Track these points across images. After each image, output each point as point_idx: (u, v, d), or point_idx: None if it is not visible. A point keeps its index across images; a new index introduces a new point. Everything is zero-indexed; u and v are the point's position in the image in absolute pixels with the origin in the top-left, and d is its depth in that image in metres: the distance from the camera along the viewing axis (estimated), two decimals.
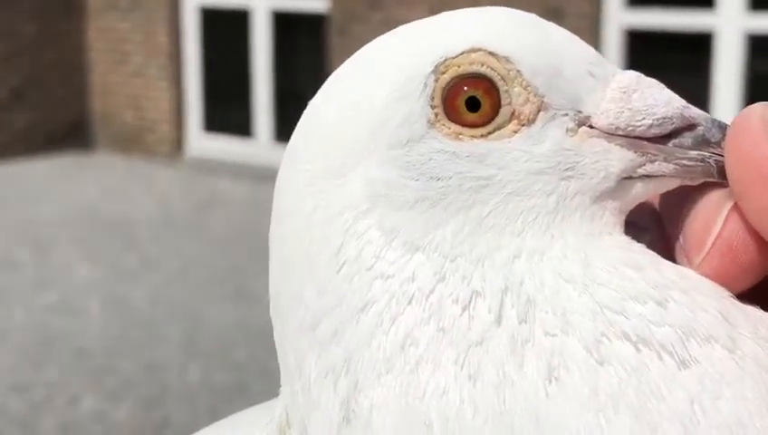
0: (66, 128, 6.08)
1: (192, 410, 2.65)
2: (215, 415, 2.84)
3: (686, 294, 0.22)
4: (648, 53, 4.67)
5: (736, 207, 0.22)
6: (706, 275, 0.23)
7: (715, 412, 0.20)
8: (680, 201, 0.24)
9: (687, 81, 4.69)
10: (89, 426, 2.86)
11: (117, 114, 6.13)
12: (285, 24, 5.56)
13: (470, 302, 0.22)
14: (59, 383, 3.01)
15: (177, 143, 6.00)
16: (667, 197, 0.25)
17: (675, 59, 4.69)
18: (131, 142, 6.07)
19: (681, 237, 0.23)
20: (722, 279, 0.23)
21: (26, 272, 3.94)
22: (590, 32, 4.55)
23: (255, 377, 2.67)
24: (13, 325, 3.49)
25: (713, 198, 0.23)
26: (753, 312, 0.22)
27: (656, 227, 0.25)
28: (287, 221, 0.24)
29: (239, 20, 5.68)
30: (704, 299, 0.22)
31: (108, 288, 3.77)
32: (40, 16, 5.81)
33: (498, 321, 0.21)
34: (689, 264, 0.23)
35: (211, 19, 5.80)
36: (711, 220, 0.23)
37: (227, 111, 5.91)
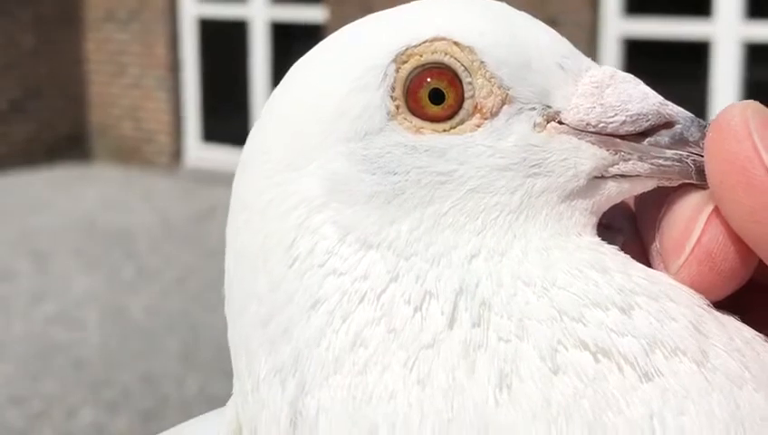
0: (64, 139, 6.10)
1: None
2: None
3: (656, 301, 0.21)
4: (645, 61, 4.65)
5: (716, 211, 0.21)
6: (684, 283, 0.21)
7: (677, 430, 0.19)
8: (656, 203, 0.23)
9: (685, 89, 4.59)
10: None
11: (115, 125, 6.16)
12: (283, 34, 5.58)
13: (422, 302, 0.21)
14: (57, 395, 3.00)
15: (176, 154, 6.02)
16: (642, 198, 0.24)
17: (672, 67, 4.63)
18: (130, 153, 6.07)
19: (657, 242, 0.22)
20: (700, 287, 0.21)
21: (25, 283, 3.93)
22: (588, 40, 4.54)
23: None
24: (11, 337, 3.46)
25: (691, 202, 0.22)
26: (730, 321, 0.21)
27: (630, 228, 0.24)
28: (243, 213, 0.23)
29: (237, 30, 5.70)
30: (674, 307, 0.21)
31: (106, 299, 3.75)
32: (38, 27, 5.85)
33: (451, 324, 0.21)
34: (666, 270, 0.22)
35: (209, 30, 5.82)
36: (689, 225, 0.21)
37: (226, 121, 5.91)
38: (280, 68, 5.68)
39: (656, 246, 0.22)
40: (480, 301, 0.21)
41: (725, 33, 4.24)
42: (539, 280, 0.21)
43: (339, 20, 4.89)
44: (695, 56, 4.41)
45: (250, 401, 0.22)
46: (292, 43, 5.58)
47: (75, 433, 2.81)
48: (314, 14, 5.31)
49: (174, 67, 5.85)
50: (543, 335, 0.20)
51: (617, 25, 4.50)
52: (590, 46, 4.46)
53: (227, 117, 5.86)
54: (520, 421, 0.19)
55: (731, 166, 0.21)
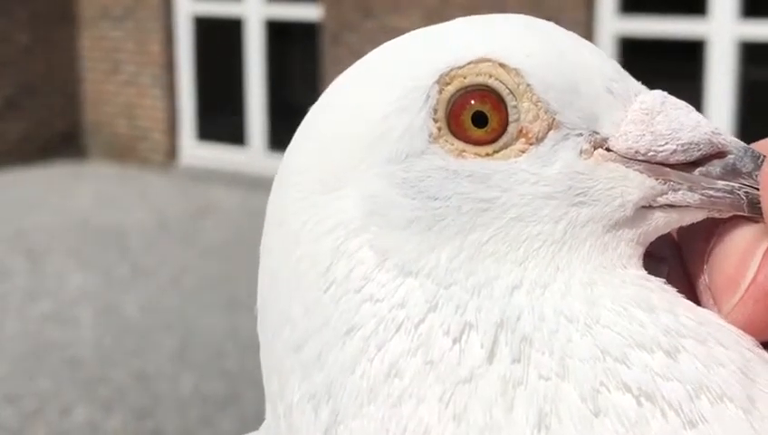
0: (59, 137, 6.11)
1: (184, 420, 2.66)
2: (207, 425, 2.81)
3: (703, 344, 0.20)
4: (640, 60, 4.61)
5: None
6: (737, 323, 0.21)
7: None
8: (704, 233, 0.22)
9: (680, 88, 5.02)
10: None
11: (110, 123, 6.15)
12: (279, 32, 5.59)
13: (462, 334, 0.20)
14: (51, 393, 3.01)
15: (171, 152, 6.00)
16: (689, 227, 0.23)
17: (667, 66, 4.64)
18: (124, 151, 6.07)
19: (707, 277, 0.21)
20: (754, 327, 0.21)
21: (19, 281, 3.93)
22: (584, 38, 4.95)
23: (247, 387, 2.69)
24: (5, 335, 3.47)
25: (745, 236, 0.21)
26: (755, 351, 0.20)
27: (674, 258, 0.23)
28: (277, 233, 0.23)
29: (232, 28, 5.70)
30: (722, 351, 0.20)
31: (101, 298, 3.76)
32: (33, 25, 5.86)
33: (490, 358, 0.20)
34: (718, 310, 0.21)
35: (204, 28, 5.82)
36: (744, 262, 0.20)
37: (221, 119, 5.92)
38: (275, 66, 5.63)
39: (704, 281, 0.21)
40: (521, 336, 0.20)
41: (721, 31, 4.25)
42: (582, 316, 0.20)
43: (334, 18, 5.02)
44: (690, 55, 4.43)
45: (282, 426, 0.22)
46: (287, 41, 5.67)
47: (69, 431, 2.80)
48: (309, 13, 5.32)
49: (169, 65, 5.84)
50: (585, 375, 0.20)
51: (612, 24, 4.52)
52: None
53: (222, 115, 5.87)
54: None
55: None
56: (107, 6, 5.95)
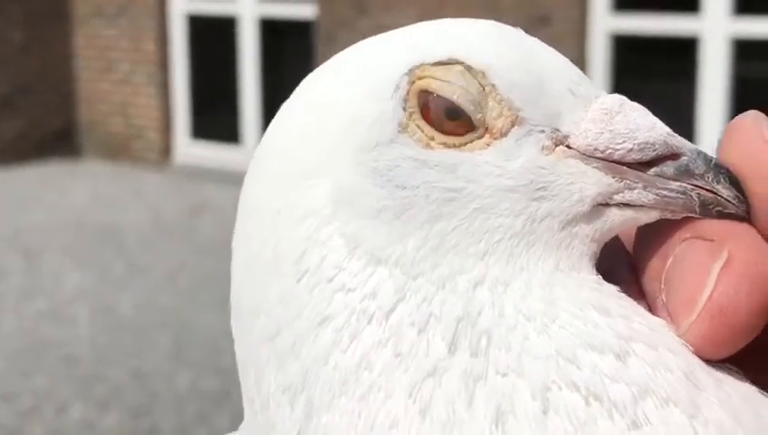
0: (54, 135, 6.06)
1: (180, 418, 2.64)
2: (203, 422, 2.78)
3: (653, 349, 0.21)
4: (633, 57, 4.71)
5: (727, 265, 0.21)
6: (694, 341, 0.21)
7: None
8: (660, 254, 0.22)
9: (674, 86, 4.64)
10: (77, 434, 2.80)
11: (104, 122, 6.11)
12: (272, 30, 5.56)
13: (427, 325, 0.21)
14: (47, 391, 3.00)
15: (165, 150, 5.96)
16: (644, 246, 0.23)
17: (661, 64, 4.74)
18: (119, 149, 6.04)
19: (664, 297, 0.22)
20: (711, 344, 0.21)
21: (15, 279, 3.91)
22: (577, 36, 4.56)
23: None
24: (1, 333, 3.44)
25: (701, 256, 0.21)
26: (727, 377, 0.21)
27: (628, 273, 0.23)
28: (251, 223, 0.23)
29: (226, 27, 5.67)
30: (671, 357, 0.20)
31: (96, 296, 3.76)
32: (28, 23, 5.82)
33: (452, 352, 0.20)
34: (675, 329, 0.21)
35: (198, 26, 5.79)
36: (701, 282, 0.21)
37: (215, 117, 5.88)
38: (269, 65, 5.56)
39: (662, 300, 0.22)
40: (481, 330, 0.20)
41: (714, 29, 4.26)
42: (540, 316, 0.21)
43: (329, 16, 4.98)
44: (683, 52, 4.42)
45: (260, 421, 0.22)
46: (281, 39, 5.62)
47: (65, 429, 2.79)
48: (303, 11, 5.29)
49: (163, 63, 5.81)
50: (539, 373, 0.20)
51: (605, 22, 4.50)
52: (579, 42, 4.53)
53: (217, 113, 5.84)
54: None
55: (751, 158, 0.21)
56: (101, 5, 5.92)
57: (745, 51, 4.26)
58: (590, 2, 4.43)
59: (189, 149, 5.89)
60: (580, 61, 4.87)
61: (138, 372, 3.11)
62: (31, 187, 5.43)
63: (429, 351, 0.20)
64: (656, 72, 4.84)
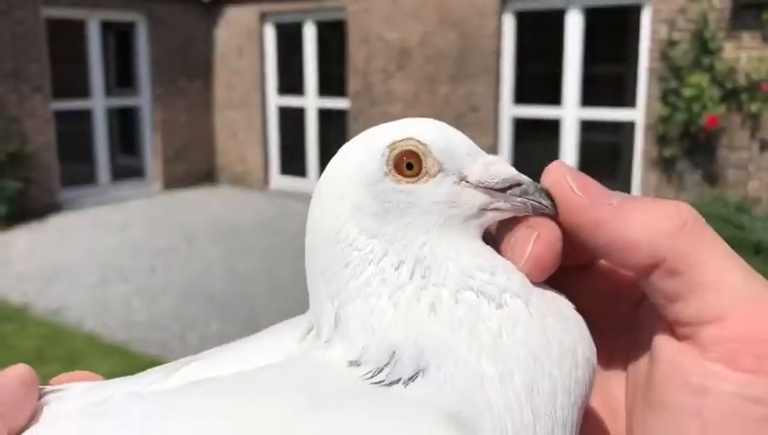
0: (203, 173, 8.02)
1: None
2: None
3: (509, 271, 0.29)
4: (525, 130, 6.16)
5: (538, 238, 0.29)
6: (526, 271, 0.30)
7: (513, 334, 0.28)
8: (507, 232, 0.31)
9: (544, 144, 6.00)
10: (216, 344, 3.69)
11: (231, 165, 8.05)
12: (325, 114, 7.19)
13: (399, 266, 0.29)
14: (195, 317, 3.70)
15: (265, 181, 7.69)
16: (500, 227, 0.32)
17: (540, 133, 6.00)
18: (239, 181, 7.93)
19: (510, 251, 0.30)
20: (533, 273, 0.30)
21: (181, 253, 5.06)
22: (494, 118, 5.99)
23: None
24: (173, 282, 4.32)
25: (527, 230, 0.30)
26: (545, 290, 0.30)
27: (492, 240, 0.32)
28: (316, 217, 0.31)
29: (298, 114, 7.29)
30: (515, 274, 0.30)
31: (226, 262, 4.74)
32: (188, 110, 7.83)
33: (412, 277, 0.29)
34: (517, 265, 0.30)
35: (284, 113, 7.54)
36: (526, 243, 0.30)
37: (293, 162, 7.41)
38: (323, 133, 6.97)
39: (508, 253, 0.30)
40: (425, 266, 0.29)
41: (569, 114, 5.77)
42: (454, 257, 0.29)
43: (355, 106, 6.59)
44: (553, 127, 5.85)
45: (317, 309, 0.30)
46: (329, 120, 7.08)
47: (208, 342, 3.18)
48: (342, 104, 6.89)
49: (264, 133, 7.67)
50: (453, 283, 0.29)
51: (510, 110, 6.07)
52: (495, 122, 5.96)
53: (294, 160, 7.32)
54: (438, 327, 0.28)
55: (562, 198, 0.29)
56: (230, 100, 7.85)
57: (589, 127, 5.73)
58: (501, 99, 6.02)
59: (279, 180, 7.63)
60: (495, 131, 5.99)
61: (248, 301, 3.93)
62: (190, 202, 7.02)
63: (399, 278, 0.29)
64: (537, 138, 6.12)
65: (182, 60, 7.63)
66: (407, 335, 0.28)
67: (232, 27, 7.64)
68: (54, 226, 6.13)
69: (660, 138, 5.33)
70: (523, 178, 0.31)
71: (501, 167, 0.31)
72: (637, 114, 5.58)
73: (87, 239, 5.54)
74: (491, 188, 0.31)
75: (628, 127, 5.93)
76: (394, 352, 0.28)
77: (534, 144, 6.42)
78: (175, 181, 7.81)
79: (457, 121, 6.44)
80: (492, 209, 0.31)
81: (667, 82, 5.23)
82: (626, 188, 5.99)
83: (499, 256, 0.31)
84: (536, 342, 0.28)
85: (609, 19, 5.90)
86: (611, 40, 6.20)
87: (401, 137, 0.31)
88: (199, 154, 8.02)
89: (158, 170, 7.71)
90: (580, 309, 0.31)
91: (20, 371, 0.27)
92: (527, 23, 6.05)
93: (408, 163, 0.31)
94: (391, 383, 0.27)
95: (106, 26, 7.33)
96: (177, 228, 5.72)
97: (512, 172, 0.31)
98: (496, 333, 0.28)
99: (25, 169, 6.44)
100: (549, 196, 0.31)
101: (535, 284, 0.30)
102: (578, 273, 0.33)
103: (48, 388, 0.28)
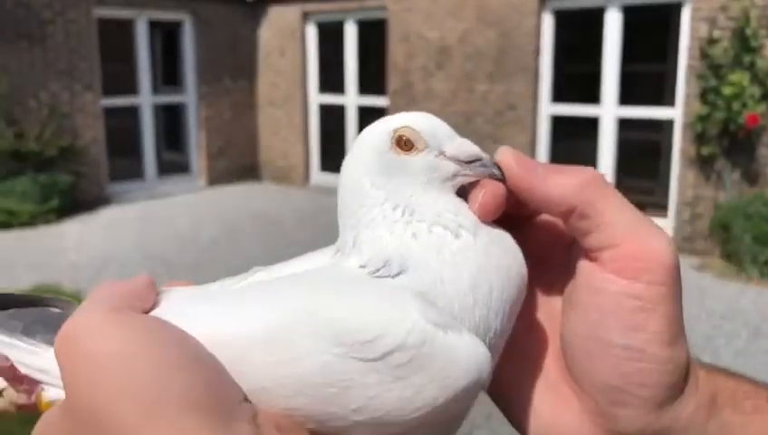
0: (246, 169, 8.22)
1: None
2: None
3: (465, 214, 0.38)
4: (563, 129, 6.24)
5: (486, 191, 0.38)
6: (478, 214, 0.38)
7: (465, 254, 0.36)
8: (471, 189, 0.39)
9: (583, 144, 6.01)
10: None
11: (273, 161, 8.29)
12: (366, 112, 7.39)
13: (394, 207, 0.38)
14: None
15: (306, 177, 7.90)
16: (467, 187, 0.39)
17: (576, 133, 6.23)
18: (281, 177, 8.17)
19: (469, 201, 0.38)
20: (482, 216, 0.38)
21: (222, 244, 5.33)
22: (532, 116, 6.09)
23: None
24: (217, 275, 2.55)
25: (479, 189, 0.38)
26: (492, 228, 0.38)
27: (464, 198, 0.39)
28: (346, 177, 0.40)
29: (338, 112, 7.51)
30: (470, 216, 0.38)
31: (269, 252, 5.05)
32: (232, 108, 8.03)
33: (404, 215, 0.37)
34: (472, 209, 0.38)
35: (324, 111, 7.77)
36: (477, 194, 0.38)
37: (332, 160, 7.59)
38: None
39: (470, 205, 0.39)
40: (411, 209, 0.38)
41: (607, 113, 5.87)
42: (432, 203, 0.38)
43: (394, 104, 6.81)
44: (590, 126, 5.94)
45: (342, 236, 0.39)
46: (369, 118, 5.65)
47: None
48: (382, 102, 7.16)
49: (305, 131, 7.90)
50: (429, 220, 0.37)
51: (548, 108, 6.22)
52: (533, 120, 6.09)
53: (334, 158, 7.49)
54: (418, 250, 0.36)
55: (509, 171, 0.37)
56: (272, 98, 8.13)
57: (626, 125, 5.82)
58: (539, 97, 6.13)
59: (319, 176, 7.88)
60: (533, 129, 6.13)
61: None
62: (233, 197, 7.30)
63: (394, 216, 0.38)
64: (574, 136, 6.20)
65: (227, 59, 7.78)
66: (396, 251, 0.37)
67: (275, 27, 7.84)
68: (103, 218, 6.38)
69: (699, 136, 5.35)
70: (484, 154, 0.39)
71: (469, 147, 0.40)
72: (675, 112, 5.62)
73: (134, 232, 5.72)
74: (461, 161, 0.39)
75: (666, 125, 5.97)
76: (387, 260, 0.37)
77: (572, 142, 6.43)
78: (219, 177, 7.94)
79: (495, 120, 6.50)
80: (462, 175, 0.40)
81: (707, 81, 5.25)
82: (664, 186, 6.01)
83: (463, 205, 0.39)
84: (481, 259, 0.37)
85: (648, 17, 6.01)
86: (650, 38, 6.33)
87: (401, 124, 0.40)
88: (242, 151, 8.14)
89: (203, 166, 7.85)
90: (531, 249, 0.40)
91: (144, 276, 0.37)
92: (566, 21, 6.13)
93: (405, 141, 0.39)
94: (383, 277, 0.36)
95: (153, 26, 7.53)
96: (221, 223, 5.89)
97: (476, 150, 0.39)
98: (454, 252, 0.37)
99: (76, 163, 6.72)
100: (499, 167, 0.39)
101: (487, 223, 0.39)
102: (527, 223, 0.42)
103: (162, 288, 0.39)
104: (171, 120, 8.31)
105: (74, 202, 6.54)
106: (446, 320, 0.34)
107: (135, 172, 7.49)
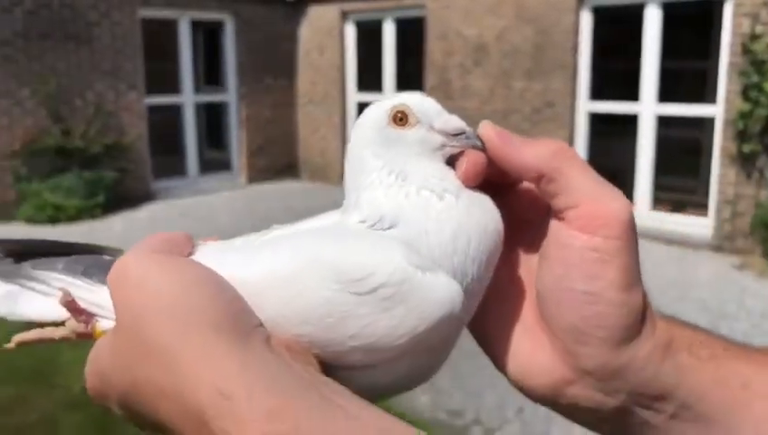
0: (285, 166, 8.45)
1: None
2: None
3: (450, 179, 0.42)
4: (601, 127, 6.30)
5: (467, 159, 0.42)
6: (461, 179, 0.42)
7: (448, 213, 0.41)
8: (457, 157, 0.43)
9: (621, 142, 6.05)
10: None
11: (312, 159, 8.50)
12: None
13: (391, 173, 0.42)
14: None
15: (343, 174, 5.95)
16: (455, 157, 0.43)
17: (615, 130, 6.28)
18: (319, 174, 8.41)
19: (455, 168, 0.42)
20: (465, 181, 0.42)
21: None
22: (570, 113, 6.15)
23: None
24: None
25: (463, 157, 0.42)
26: (474, 192, 0.42)
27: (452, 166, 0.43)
28: (352, 147, 0.44)
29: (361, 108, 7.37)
30: (455, 180, 0.42)
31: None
32: (272, 107, 8.27)
33: (398, 180, 0.42)
34: (459, 178, 0.42)
35: (362, 108, 6.24)
36: (462, 162, 0.42)
37: None
38: None
39: (455, 171, 0.43)
40: (404, 175, 0.42)
41: (646, 109, 5.87)
42: (422, 170, 0.42)
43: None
44: (629, 123, 5.95)
45: (347, 198, 0.43)
46: None
47: None
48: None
49: (343, 129, 8.15)
50: (418, 183, 0.42)
51: (586, 105, 6.26)
52: (571, 116, 6.15)
53: None
54: (410, 210, 0.41)
55: (489, 143, 0.41)
56: (311, 96, 8.35)
57: (665, 122, 5.84)
58: (577, 94, 6.20)
59: None
60: (571, 126, 6.18)
61: None
62: (272, 194, 7.52)
63: (389, 180, 0.42)
64: (613, 133, 6.28)
65: (267, 58, 7.96)
66: (390, 209, 0.42)
67: (314, 26, 8.00)
68: (147, 214, 6.58)
69: (740, 133, 5.33)
70: (467, 128, 0.43)
71: (455, 121, 0.44)
72: (716, 110, 5.60)
73: (177, 228, 5.66)
74: (448, 134, 0.44)
75: (707, 123, 5.94)
76: (382, 217, 0.42)
77: (610, 140, 6.49)
78: (259, 174, 8.16)
79: (533, 117, 6.53)
80: (449, 146, 0.44)
81: (749, 77, 5.23)
82: (704, 184, 5.99)
83: (450, 172, 0.43)
84: (462, 217, 0.41)
85: (689, 13, 5.99)
86: (691, 34, 6.36)
87: (397, 102, 0.44)
88: (282, 148, 8.36)
89: (243, 164, 8.02)
90: (514, 213, 0.45)
91: (181, 232, 0.44)
92: (604, 18, 6.16)
93: (400, 117, 0.44)
94: (378, 229, 0.41)
95: (196, 26, 7.77)
96: (260, 219, 6.10)
97: (461, 124, 0.43)
98: (438, 211, 0.41)
99: (121, 160, 6.91)
100: (481, 139, 0.43)
101: (470, 188, 0.43)
102: (511, 190, 0.46)
103: (198, 241, 0.45)
104: (213, 119, 8.53)
105: (119, 198, 6.72)
106: (426, 263, 0.39)
107: (178, 169, 7.69)
